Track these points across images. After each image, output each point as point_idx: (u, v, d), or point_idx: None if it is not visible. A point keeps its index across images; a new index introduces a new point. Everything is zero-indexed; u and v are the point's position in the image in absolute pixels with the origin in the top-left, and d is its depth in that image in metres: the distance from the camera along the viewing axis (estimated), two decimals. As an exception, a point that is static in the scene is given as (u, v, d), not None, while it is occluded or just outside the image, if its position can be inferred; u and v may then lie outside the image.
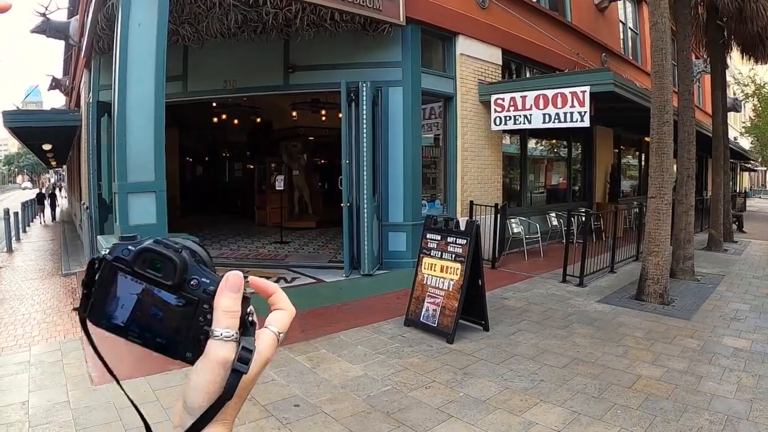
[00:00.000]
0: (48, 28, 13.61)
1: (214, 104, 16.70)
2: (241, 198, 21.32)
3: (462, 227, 6.79)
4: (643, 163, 23.39)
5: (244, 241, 14.42)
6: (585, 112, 10.59)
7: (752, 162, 44.09)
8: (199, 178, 26.27)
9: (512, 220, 12.50)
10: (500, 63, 12.80)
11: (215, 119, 19.15)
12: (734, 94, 33.64)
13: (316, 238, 14.95)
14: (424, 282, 6.89)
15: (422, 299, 6.84)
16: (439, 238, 6.84)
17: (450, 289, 6.55)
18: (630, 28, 21.40)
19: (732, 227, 17.47)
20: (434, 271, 6.79)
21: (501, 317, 7.54)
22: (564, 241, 13.79)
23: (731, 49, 16.90)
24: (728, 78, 25.19)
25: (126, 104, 7.09)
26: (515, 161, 14.64)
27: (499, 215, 11.42)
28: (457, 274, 6.51)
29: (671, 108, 8.94)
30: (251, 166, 20.89)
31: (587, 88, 10.55)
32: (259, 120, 18.42)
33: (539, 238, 12.95)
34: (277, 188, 14.99)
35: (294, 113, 16.84)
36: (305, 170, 18.18)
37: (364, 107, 9.66)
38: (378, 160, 10.22)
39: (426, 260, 6.95)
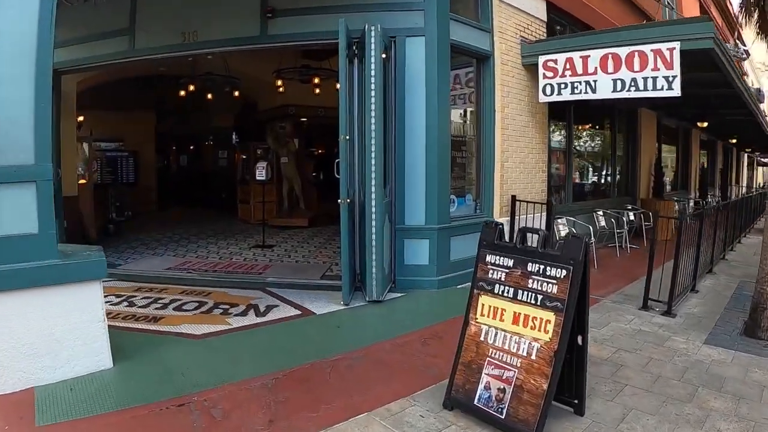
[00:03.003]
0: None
1: (182, 80, 14.07)
2: (226, 190, 18.81)
3: (549, 244, 3.94)
4: (679, 154, 21.20)
5: (218, 244, 11.57)
6: (674, 77, 7.91)
7: None
8: (182, 167, 23.78)
9: (558, 221, 9.79)
10: (545, 19, 10.09)
11: (198, 101, 16.58)
12: (752, 84, 31.67)
13: (307, 241, 12.12)
14: (482, 339, 4.00)
15: (478, 368, 3.97)
16: (510, 263, 3.93)
17: (533, 357, 3.69)
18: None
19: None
20: (501, 321, 3.91)
21: (590, 382, 4.72)
22: (616, 245, 11.45)
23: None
24: (745, 66, 23.53)
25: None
26: (556, 146, 11.94)
27: (548, 215, 8.80)
28: (547, 331, 3.65)
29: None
30: (236, 154, 18.31)
31: (676, 45, 7.84)
32: (237, 94, 15.59)
33: (593, 244, 10.23)
34: (257, 178, 12.15)
35: (279, 83, 13.99)
36: (296, 157, 15.42)
37: (373, 62, 6.77)
38: (390, 139, 7.43)
39: (485, 301, 4.04)
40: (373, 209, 6.87)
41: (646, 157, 15.73)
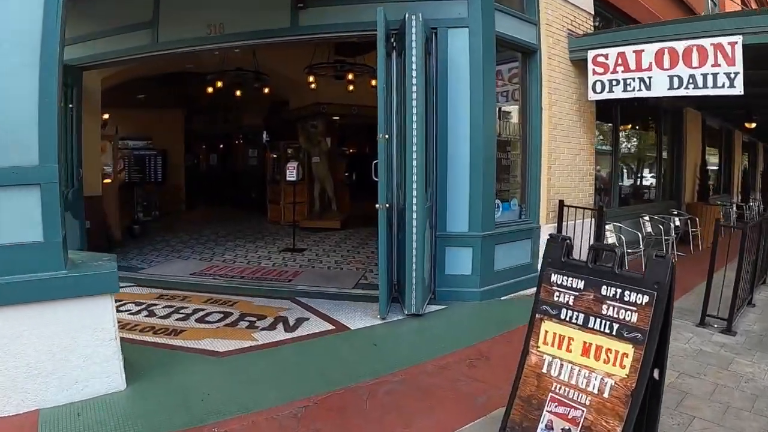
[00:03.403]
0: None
1: (210, 76, 13.69)
2: (256, 189, 18.48)
3: (627, 267, 3.37)
4: (722, 156, 20.26)
5: (246, 247, 11.14)
6: (736, 74, 7.25)
7: None
8: (211, 166, 23.64)
9: (606, 227, 9.20)
10: (592, 11, 9.44)
11: (228, 99, 16.49)
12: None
13: (339, 244, 11.65)
14: (544, 371, 3.46)
15: (538, 404, 3.43)
16: (580, 285, 3.38)
17: (606, 395, 3.14)
18: (710, -3, 18.11)
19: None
20: (568, 351, 3.36)
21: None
22: (664, 252, 10.87)
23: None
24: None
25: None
26: (602, 148, 11.27)
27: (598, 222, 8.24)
28: (624, 366, 3.09)
29: None
30: (266, 153, 17.93)
31: (738, 39, 7.19)
32: (267, 91, 15.18)
33: (641, 253, 9.63)
34: (288, 178, 11.69)
35: (311, 80, 13.55)
36: (328, 157, 14.89)
37: (414, 55, 6.23)
38: (431, 139, 6.88)
39: (549, 327, 3.48)
40: (414, 215, 6.33)
41: (691, 159, 14.96)
